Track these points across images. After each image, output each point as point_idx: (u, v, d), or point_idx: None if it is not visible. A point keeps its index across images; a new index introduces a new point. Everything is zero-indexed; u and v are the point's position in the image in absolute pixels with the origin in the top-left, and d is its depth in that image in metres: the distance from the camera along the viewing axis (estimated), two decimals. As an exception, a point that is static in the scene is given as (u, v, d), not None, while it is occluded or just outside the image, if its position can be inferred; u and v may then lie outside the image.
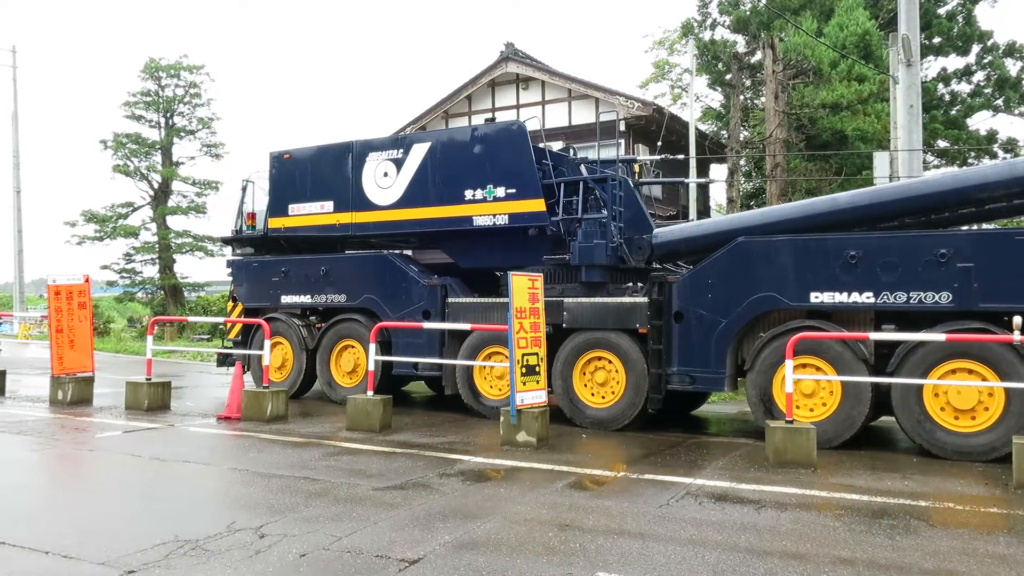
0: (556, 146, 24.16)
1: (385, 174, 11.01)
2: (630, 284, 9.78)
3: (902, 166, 12.97)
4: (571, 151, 11.49)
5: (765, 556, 4.57)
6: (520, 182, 10.04)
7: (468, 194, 10.35)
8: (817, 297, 8.23)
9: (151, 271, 31.85)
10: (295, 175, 11.92)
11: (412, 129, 26.93)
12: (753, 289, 8.52)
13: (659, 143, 21.39)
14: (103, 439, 8.39)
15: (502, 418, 8.21)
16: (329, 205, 11.52)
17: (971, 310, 7.62)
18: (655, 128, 22.69)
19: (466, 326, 9.79)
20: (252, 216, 12.68)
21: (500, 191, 10.15)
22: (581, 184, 10.03)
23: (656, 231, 10.28)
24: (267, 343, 10.01)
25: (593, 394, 9.44)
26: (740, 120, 21.12)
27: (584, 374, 9.49)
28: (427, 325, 10.23)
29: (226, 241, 13.67)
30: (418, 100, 73.56)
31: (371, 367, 9.40)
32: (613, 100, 23.72)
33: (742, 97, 21.50)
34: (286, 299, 11.89)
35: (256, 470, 6.80)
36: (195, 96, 32.39)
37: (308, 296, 11.66)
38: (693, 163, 20.02)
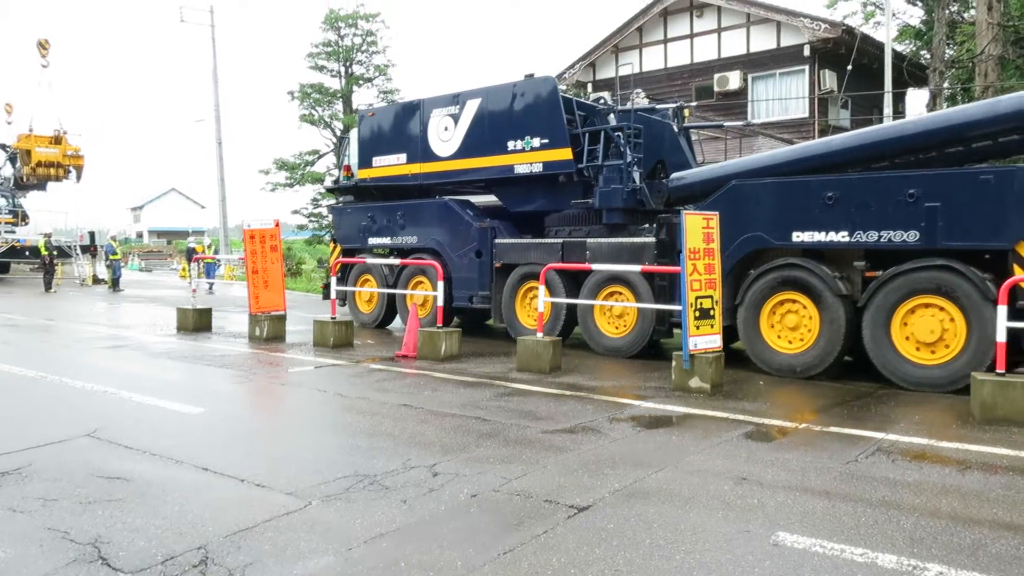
0: (733, 77, 22.99)
1: (445, 128, 12.16)
2: (646, 225, 10.45)
3: None
4: (603, 100, 12.16)
5: (972, 524, 4.11)
6: (551, 132, 10.91)
7: (511, 144, 11.34)
8: (798, 236, 8.73)
9: (337, 215, 33.63)
10: (378, 130, 13.26)
11: (581, 67, 26.44)
12: (743, 229, 9.07)
13: (849, 67, 19.68)
14: (294, 374, 8.98)
15: (674, 362, 7.95)
16: (403, 157, 12.81)
17: (936, 248, 7.90)
18: (844, 51, 20.88)
19: (636, 268, 9.68)
20: (348, 168, 14.08)
21: (536, 141, 11.08)
22: (602, 133, 10.74)
23: (673, 175, 10.70)
24: (440, 284, 10.26)
25: (611, 324, 10.50)
26: (945, 36, 18.90)
27: (603, 306, 10.49)
28: (595, 267, 10.11)
29: (328, 190, 15.26)
30: (588, 34, 72.09)
31: (540, 308, 9.41)
32: (796, 23, 22.02)
33: (948, 10, 19.20)
34: (373, 241, 13.48)
35: (430, 408, 7.01)
36: (371, 44, 33.42)
37: (389, 238, 13.22)
38: (889, 84, 18.23)
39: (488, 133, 11.61)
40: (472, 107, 11.79)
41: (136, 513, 4.25)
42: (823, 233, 8.55)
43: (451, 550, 3.76)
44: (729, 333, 9.01)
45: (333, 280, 12.30)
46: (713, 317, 8.00)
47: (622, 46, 25.63)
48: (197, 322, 13.16)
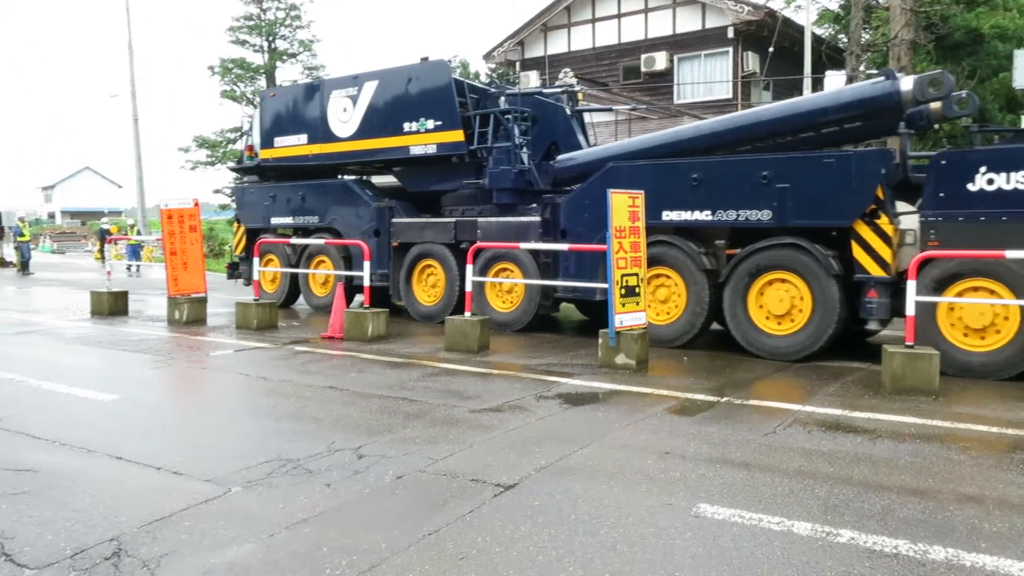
0: (660, 58, 23.21)
1: (344, 109, 12.33)
2: (534, 205, 10.81)
3: (1048, 65, 11.66)
4: (493, 84, 12.67)
5: (881, 491, 4.28)
6: (444, 115, 11.22)
7: (406, 126, 11.61)
8: (668, 215, 9.26)
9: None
10: (280, 111, 13.34)
11: (510, 45, 26.32)
12: None
13: (771, 49, 20.13)
14: (215, 358, 8.74)
15: (600, 340, 8.04)
16: (304, 138, 12.94)
17: (785, 226, 8.46)
18: (767, 34, 21.31)
19: (564, 247, 9.71)
20: (251, 148, 14.14)
21: (430, 123, 11.37)
22: (492, 116, 11.09)
23: (559, 157, 11.38)
24: (366, 264, 10.11)
25: (500, 299, 10.98)
26: (862, 21, 19.48)
27: (495, 285, 11.03)
28: (523, 246, 10.14)
29: (232, 170, 15.44)
30: (518, 13, 71.82)
31: (468, 288, 9.38)
32: (721, 5, 22.39)
33: (864, -5, 19.79)
34: (275, 220, 13.55)
35: (356, 390, 6.91)
36: (296, 19, 32.64)
37: (290, 218, 13.32)
38: (808, 68, 18.71)
39: (385, 115, 11.83)
40: (370, 89, 11.98)
41: (44, 506, 4.07)
42: (689, 212, 9.07)
43: (375, 533, 3.71)
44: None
45: (256, 262, 11.98)
46: (639, 295, 8.11)
47: (551, 25, 25.62)
48: (112, 306, 12.67)
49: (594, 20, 25.03)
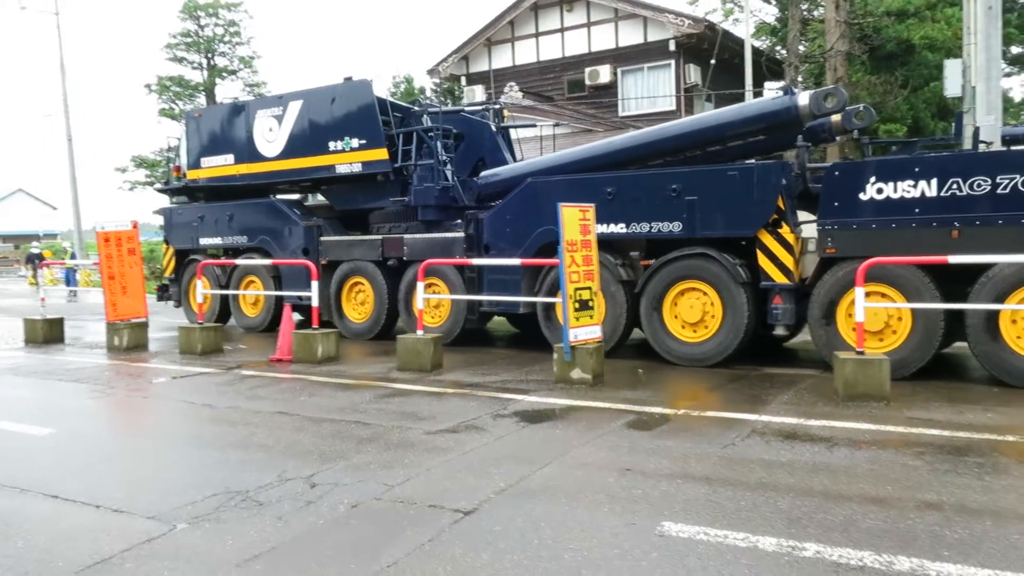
0: (604, 71, 23.43)
1: (270, 129, 12.40)
2: (458, 221, 10.85)
3: (978, 74, 12.02)
4: (417, 103, 12.65)
5: (843, 501, 4.27)
6: (368, 133, 11.32)
7: (332, 145, 11.68)
8: None
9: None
10: (207, 131, 13.32)
11: (455, 59, 26.29)
12: (538, 223, 9.72)
13: (712, 62, 20.47)
14: (157, 385, 8.42)
15: (555, 355, 7.96)
16: (231, 158, 12.94)
17: (695, 237, 8.74)
18: (707, 47, 21.68)
19: (516, 262, 9.64)
20: (178, 169, 14.05)
21: (354, 142, 11.47)
22: (415, 134, 11.26)
23: (482, 173, 11.46)
24: (314, 284, 9.88)
25: (428, 315, 10.88)
26: (799, 33, 19.95)
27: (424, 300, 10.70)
28: (475, 261, 10.05)
29: (159, 191, 15.29)
30: (461, 28, 71.82)
31: (421, 305, 9.23)
32: (662, 19, 22.70)
33: (800, 8, 20.27)
34: (204, 241, 13.48)
35: (307, 415, 6.70)
36: (235, 35, 32.15)
37: (219, 238, 13.25)
38: (749, 81, 19.06)
39: (310, 134, 11.93)
40: (295, 109, 12.06)
41: (-29, 553, 3.80)
42: (606, 225, 9.14)
43: (331, 567, 3.55)
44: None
45: (199, 284, 11.60)
46: (592, 308, 8.06)
47: (495, 39, 25.67)
48: (47, 333, 12.18)
49: (538, 34, 25.16)
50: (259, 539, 3.91)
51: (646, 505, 4.26)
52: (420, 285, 9.21)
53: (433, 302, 10.90)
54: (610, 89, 23.86)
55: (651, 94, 23.45)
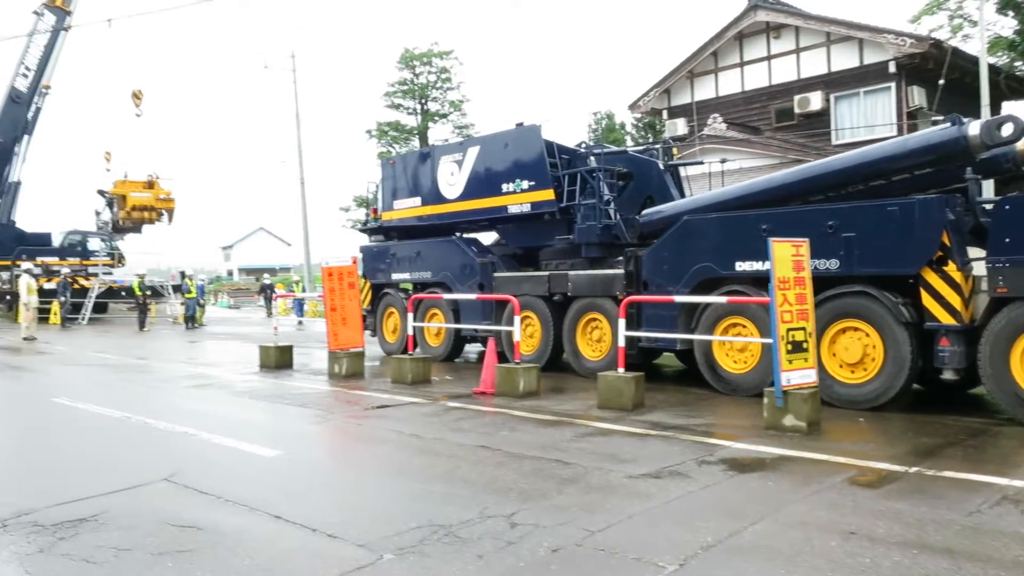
0: (815, 98, 22.28)
1: (452, 173, 13.34)
2: (620, 258, 10.93)
3: None
4: (583, 144, 12.88)
5: None
6: (536, 175, 12.01)
7: (504, 187, 12.45)
8: (741, 266, 9.35)
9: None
10: (399, 176, 14.55)
11: (656, 93, 26.12)
12: (695, 260, 9.79)
13: (940, 82, 18.79)
14: (371, 413, 8.88)
15: (766, 399, 7.48)
16: (418, 200, 14.09)
17: (852, 274, 8.41)
18: (933, 67, 19.95)
19: (722, 299, 9.30)
20: (375, 210, 15.47)
21: (524, 184, 12.18)
22: (579, 175, 11.68)
23: (643, 212, 11.51)
24: (517, 319, 10.04)
25: (591, 348, 11.28)
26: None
27: (584, 332, 11.39)
28: (678, 299, 9.78)
29: (360, 231, 16.75)
30: (663, 60, 71.57)
31: (621, 343, 9.07)
32: (880, 39, 21.20)
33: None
34: (395, 276, 14.63)
35: (508, 450, 6.74)
36: (446, 81, 34.07)
37: (408, 274, 14.35)
38: (986, 99, 17.26)
39: (485, 177, 12.77)
40: (473, 153, 12.99)
41: (206, 566, 4.12)
42: (761, 263, 8.91)
43: (531, 615, 3.46)
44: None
45: (411, 317, 12.18)
46: (807, 350, 7.51)
47: (697, 71, 25.20)
48: (279, 359, 13.30)
49: (742, 64, 24.38)
50: (461, 577, 3.91)
51: (876, 576, 3.81)
52: (621, 322, 9.05)
53: (595, 336, 11.26)
54: (822, 116, 22.57)
55: (868, 119, 21.88)
